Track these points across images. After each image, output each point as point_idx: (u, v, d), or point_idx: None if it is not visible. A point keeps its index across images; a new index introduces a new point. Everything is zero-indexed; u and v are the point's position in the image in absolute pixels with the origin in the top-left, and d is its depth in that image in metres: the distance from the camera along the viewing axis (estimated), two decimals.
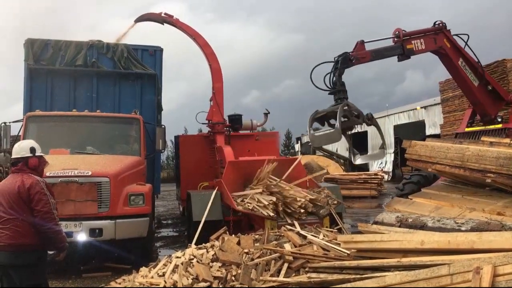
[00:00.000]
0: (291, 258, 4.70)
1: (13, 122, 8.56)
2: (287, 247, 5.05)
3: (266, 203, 7.27)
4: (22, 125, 8.33)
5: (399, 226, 4.46)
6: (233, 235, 5.80)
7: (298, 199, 7.40)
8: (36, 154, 4.31)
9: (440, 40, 8.88)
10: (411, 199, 6.71)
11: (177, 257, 5.24)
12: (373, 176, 19.96)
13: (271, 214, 7.07)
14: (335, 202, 7.82)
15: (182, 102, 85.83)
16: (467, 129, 9.93)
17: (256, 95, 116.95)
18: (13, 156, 4.34)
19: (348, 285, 3.67)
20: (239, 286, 4.47)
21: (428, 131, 25.70)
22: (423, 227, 4.26)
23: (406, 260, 3.54)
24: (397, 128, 30.18)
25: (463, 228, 3.96)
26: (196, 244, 6.12)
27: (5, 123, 8.33)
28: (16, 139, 8.17)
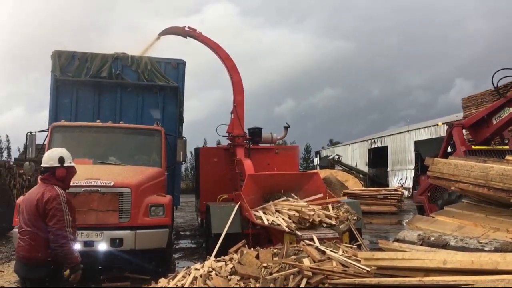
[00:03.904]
0: (310, 273, 4.66)
1: (39, 131, 8.74)
2: (306, 262, 5.02)
3: (287, 218, 7.29)
4: (47, 135, 8.51)
5: (421, 244, 4.39)
6: (252, 249, 5.79)
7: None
8: (65, 164, 4.24)
9: None
10: (433, 217, 6.61)
11: (196, 269, 5.25)
12: (393, 192, 19.71)
13: (293, 229, 7.05)
14: (355, 217, 7.76)
15: (211, 112, 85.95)
16: (474, 147, 9.97)
17: (291, 104, 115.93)
18: (42, 165, 4.28)
19: None
20: None
21: (450, 148, 25.31)
22: (445, 246, 4.19)
23: (428, 280, 3.48)
24: (418, 144, 29.80)
25: (486, 248, 3.88)
26: (214, 256, 6.14)
27: (31, 132, 8.52)
28: (41, 148, 8.35)
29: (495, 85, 9.49)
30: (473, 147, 10.01)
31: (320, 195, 8.54)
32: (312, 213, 7.53)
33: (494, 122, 9.69)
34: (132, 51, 11.41)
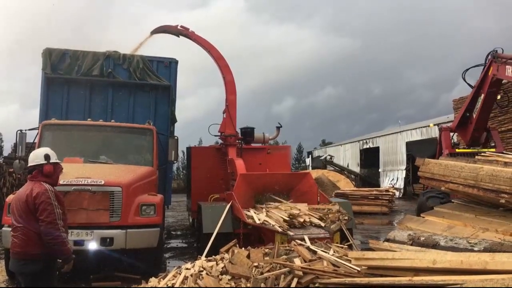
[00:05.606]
0: (300, 273, 4.67)
1: (29, 130, 8.68)
2: (297, 262, 5.02)
3: (277, 218, 7.29)
4: (37, 133, 8.45)
5: (411, 244, 4.42)
6: (243, 248, 5.78)
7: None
8: (51, 161, 4.36)
9: None
10: (423, 217, 6.66)
11: (187, 269, 5.24)
12: (384, 193, 19.76)
13: (283, 229, 7.05)
14: (346, 217, 7.78)
15: (209, 110, 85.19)
16: (458, 150, 10.17)
17: (290, 103, 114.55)
18: (28, 165, 4.41)
19: None
20: None
21: None
22: (435, 246, 4.22)
23: (417, 279, 3.50)
24: (409, 145, 29.97)
25: (476, 248, 3.91)
26: (205, 256, 6.12)
27: (21, 130, 8.46)
28: (31, 146, 8.29)
29: (464, 78, 9.92)
30: (457, 150, 10.27)
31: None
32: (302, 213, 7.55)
33: (474, 115, 9.98)
34: (131, 46, 11.39)
